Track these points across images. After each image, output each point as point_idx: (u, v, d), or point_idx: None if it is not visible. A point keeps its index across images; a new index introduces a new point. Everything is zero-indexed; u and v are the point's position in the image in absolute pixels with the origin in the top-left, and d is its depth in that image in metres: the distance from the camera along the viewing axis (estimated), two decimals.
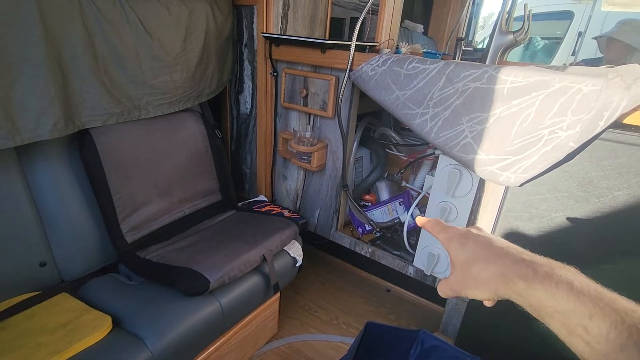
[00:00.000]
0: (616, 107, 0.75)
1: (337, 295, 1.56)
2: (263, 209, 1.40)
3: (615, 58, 1.94)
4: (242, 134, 1.61)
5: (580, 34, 3.19)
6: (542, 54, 3.80)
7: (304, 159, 1.38)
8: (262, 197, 1.59)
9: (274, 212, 1.38)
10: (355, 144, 1.40)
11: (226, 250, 1.00)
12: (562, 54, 3.35)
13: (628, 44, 1.81)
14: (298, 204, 1.57)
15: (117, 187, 1.01)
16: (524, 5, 1.26)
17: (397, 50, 1.35)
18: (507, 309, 0.97)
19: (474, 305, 1.14)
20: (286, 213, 1.43)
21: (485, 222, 1.08)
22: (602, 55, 2.02)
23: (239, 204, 1.44)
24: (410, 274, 1.31)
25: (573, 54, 3.17)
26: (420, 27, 2.40)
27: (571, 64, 2.46)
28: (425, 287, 1.30)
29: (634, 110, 0.77)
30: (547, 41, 3.76)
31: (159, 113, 1.13)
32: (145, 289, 0.94)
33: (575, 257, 0.91)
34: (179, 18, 1.09)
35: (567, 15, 3.41)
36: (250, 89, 1.50)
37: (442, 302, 1.30)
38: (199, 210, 1.25)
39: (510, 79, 0.90)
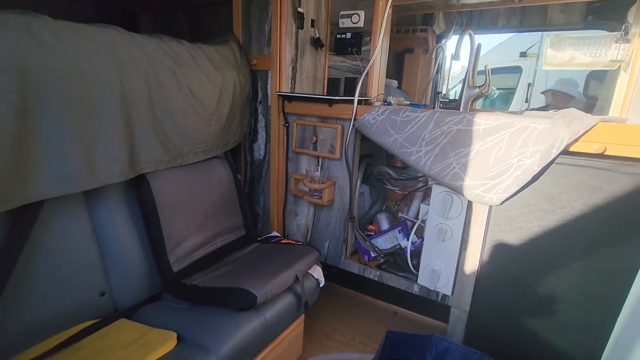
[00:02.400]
0: (562, 139, 1.03)
1: (350, 319, 1.69)
2: (281, 242, 1.56)
3: (559, 105, 2.35)
4: (256, 178, 1.81)
5: (529, 84, 3.75)
6: (500, 102, 4.35)
7: (316, 195, 1.59)
8: (275, 233, 1.75)
9: (291, 243, 1.54)
10: (359, 181, 1.63)
11: (264, 272, 1.15)
12: (517, 102, 3.88)
13: (566, 93, 2.23)
14: (309, 237, 1.74)
15: (166, 222, 1.16)
16: (485, 66, 1.61)
17: (388, 103, 1.64)
18: (509, 316, 1.16)
19: (476, 314, 1.32)
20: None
21: (476, 237, 1.29)
22: (549, 104, 2.45)
23: (258, 239, 1.60)
24: (416, 291, 1.47)
25: (526, 101, 3.69)
26: (395, 82, 2.79)
27: (526, 109, 2.91)
28: (428, 306, 1.46)
29: (575, 141, 1.04)
30: (503, 91, 4.34)
31: (196, 159, 1.33)
32: (195, 311, 1.06)
33: (551, 259, 1.13)
34: (215, 83, 1.33)
35: (517, 70, 4.00)
36: (264, 138, 1.73)
37: (445, 318, 1.45)
38: (228, 244, 1.40)
39: (483, 121, 1.18)
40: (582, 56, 1.37)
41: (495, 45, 4.04)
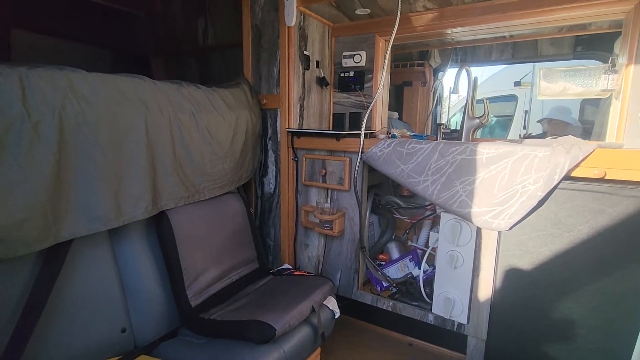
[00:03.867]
0: (563, 165, 1.08)
1: (365, 352, 1.66)
2: (294, 273, 1.58)
3: (555, 132, 2.43)
4: (266, 211, 1.85)
5: (526, 112, 3.87)
6: (499, 129, 4.47)
7: (326, 226, 1.63)
8: (286, 266, 1.77)
9: (304, 275, 1.56)
10: (368, 211, 1.67)
11: (280, 304, 1.16)
12: (515, 128, 4.00)
13: (562, 121, 2.32)
14: (320, 269, 1.75)
15: (185, 257, 1.20)
16: (483, 98, 1.70)
17: (392, 135, 1.72)
18: (528, 343, 1.16)
19: (493, 342, 1.31)
20: None
21: (487, 263, 1.31)
22: (546, 131, 2.53)
23: (270, 271, 1.62)
24: (431, 321, 1.47)
25: (524, 127, 3.80)
26: (396, 114, 2.90)
27: (525, 136, 3.00)
28: (444, 336, 1.45)
29: (576, 166, 1.09)
30: (501, 118, 4.47)
31: (212, 195, 1.38)
32: (214, 345, 1.06)
33: (564, 283, 1.15)
34: (229, 123, 1.42)
35: (513, 98, 4.14)
36: (274, 172, 1.80)
37: (462, 348, 1.44)
38: (242, 277, 1.42)
39: (486, 151, 1.24)
40: (574, 86, 1.45)
41: (490, 76, 4.19)
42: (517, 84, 3.96)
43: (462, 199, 1.28)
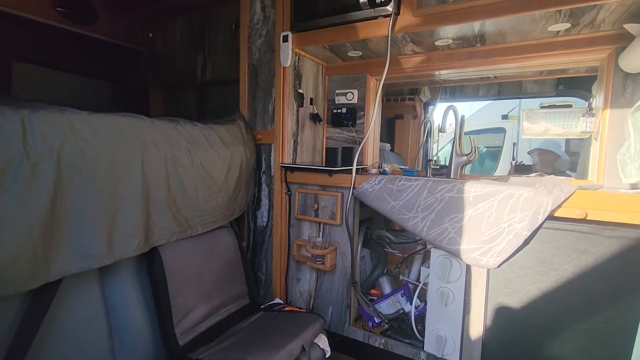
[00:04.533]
0: (546, 206, 1.12)
1: None
2: (284, 309, 1.56)
3: (545, 163, 2.51)
4: (259, 244, 1.85)
5: (514, 144, 4.00)
6: (489, 159, 4.58)
7: (318, 261, 1.63)
8: (277, 300, 1.75)
9: (295, 311, 1.54)
10: (359, 245, 1.68)
11: (270, 343, 1.15)
12: (505, 159, 4.10)
13: (551, 151, 2.40)
14: (312, 304, 1.74)
15: (175, 294, 1.19)
16: (469, 137, 1.77)
17: (383, 171, 1.76)
18: None
19: None
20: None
21: (478, 301, 1.32)
22: (535, 163, 2.61)
23: (261, 307, 1.60)
24: (423, 359, 1.45)
25: (513, 159, 3.91)
26: (388, 146, 2.98)
27: (516, 164, 3.09)
28: None
29: (558, 207, 1.13)
30: (490, 149, 4.60)
31: (204, 230, 1.39)
32: None
33: (553, 322, 1.16)
34: (224, 158, 1.45)
35: (501, 130, 4.28)
36: (267, 205, 1.82)
37: None
38: (232, 314, 1.40)
39: (473, 189, 1.28)
40: (556, 127, 1.52)
41: (478, 109, 4.33)
42: (505, 117, 4.09)
43: (451, 236, 1.31)
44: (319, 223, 1.68)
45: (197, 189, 1.33)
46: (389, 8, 1.40)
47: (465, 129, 1.84)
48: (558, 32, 1.37)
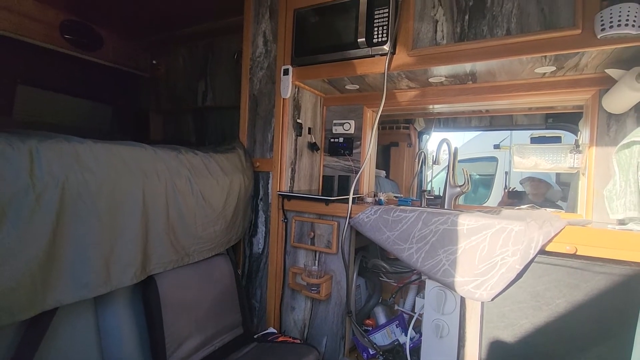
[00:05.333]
0: (537, 240, 1.15)
1: None
2: (278, 340, 1.54)
3: (537, 192, 2.56)
4: (254, 271, 1.85)
5: (506, 173, 4.08)
6: (482, 187, 4.66)
7: (313, 290, 1.63)
8: (271, 330, 1.73)
9: (289, 342, 1.53)
10: (355, 274, 1.69)
11: None
12: (497, 187, 4.17)
13: (542, 180, 2.46)
14: (305, 334, 1.72)
15: (169, 324, 1.18)
16: (462, 168, 1.82)
17: (379, 200, 1.80)
18: None
19: None
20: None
21: (472, 334, 1.32)
22: (528, 193, 2.66)
23: (254, 337, 1.58)
24: None
25: (506, 187, 3.98)
26: (383, 173, 3.03)
27: (509, 191, 3.14)
28: None
29: (549, 242, 1.16)
30: (483, 177, 4.68)
31: (201, 258, 1.40)
32: None
33: (546, 357, 1.16)
34: (223, 186, 1.48)
35: (493, 159, 4.38)
36: (263, 232, 1.83)
37: None
38: (226, 344, 1.39)
39: (466, 222, 1.31)
40: (545, 163, 1.58)
41: (471, 138, 4.44)
42: (497, 146, 4.18)
43: (445, 268, 1.33)
44: (315, 251, 1.69)
45: (195, 217, 1.35)
46: (386, 48, 1.48)
47: (458, 158, 1.90)
48: (544, 73, 1.45)
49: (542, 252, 1.16)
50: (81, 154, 0.99)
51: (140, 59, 2.84)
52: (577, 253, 1.12)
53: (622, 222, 1.29)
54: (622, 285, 1.06)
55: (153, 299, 1.16)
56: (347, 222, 1.55)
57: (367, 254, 1.88)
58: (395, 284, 1.80)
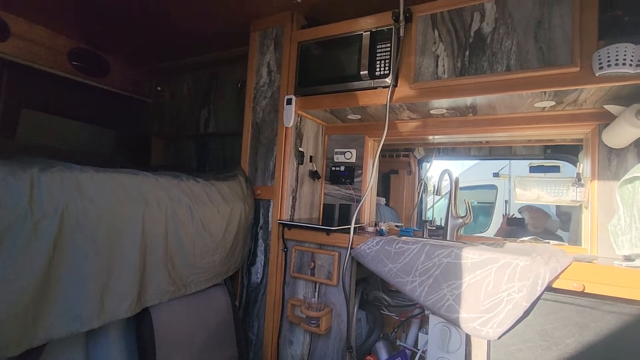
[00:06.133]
0: (544, 277, 1.12)
1: None
2: None
3: (536, 222, 2.54)
4: (252, 302, 1.80)
5: (506, 201, 4.07)
6: (482, 215, 4.63)
7: (313, 323, 1.57)
8: None
9: None
10: (356, 307, 1.64)
11: None
12: (498, 215, 4.15)
13: (540, 209, 2.45)
14: None
15: None
16: (464, 200, 1.81)
17: (380, 230, 1.77)
18: None
19: None
20: None
21: None
22: (527, 222, 2.64)
23: None
24: None
25: (505, 214, 3.97)
26: (383, 200, 3.02)
27: (509, 217, 3.11)
28: None
29: (556, 278, 1.14)
30: (483, 205, 4.67)
31: (198, 289, 1.36)
32: None
33: None
34: (223, 215, 1.46)
35: (493, 187, 4.38)
36: (262, 261, 1.79)
37: None
38: None
39: (470, 255, 1.28)
40: (547, 195, 1.57)
41: (470, 166, 4.47)
42: (496, 174, 4.20)
43: (449, 303, 1.29)
44: (315, 282, 1.65)
45: (194, 246, 1.32)
46: (388, 80, 1.51)
47: (459, 184, 1.90)
48: (544, 107, 1.48)
49: (549, 288, 1.13)
50: (82, 183, 0.98)
51: (145, 85, 2.89)
52: (585, 290, 1.10)
53: (628, 258, 1.27)
54: (634, 325, 1.03)
55: (147, 333, 1.12)
56: (348, 253, 1.52)
57: (368, 286, 1.84)
58: (397, 318, 1.75)
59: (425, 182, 2.37)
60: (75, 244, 0.94)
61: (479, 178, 4.83)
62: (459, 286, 1.28)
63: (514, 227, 2.99)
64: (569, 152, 2.24)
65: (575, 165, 1.95)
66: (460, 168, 4.10)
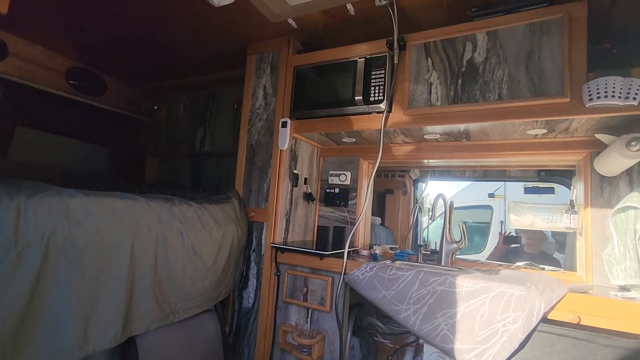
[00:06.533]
0: (539, 308, 1.11)
1: None
2: None
3: (533, 243, 2.52)
4: (242, 327, 1.75)
5: (502, 222, 4.07)
6: (477, 235, 4.62)
7: (305, 352, 1.53)
8: None
9: None
10: (349, 334, 1.60)
11: None
12: (493, 236, 4.14)
13: (537, 230, 2.43)
14: None
15: None
16: (459, 224, 1.80)
17: (375, 255, 1.75)
18: None
19: None
20: None
21: None
22: (523, 244, 2.63)
23: None
24: None
25: (502, 231, 3.95)
26: (378, 220, 3.00)
27: (505, 235, 3.08)
28: None
29: (551, 309, 1.12)
30: (479, 225, 4.65)
31: (187, 315, 1.32)
32: None
33: None
34: (216, 239, 1.44)
35: (488, 207, 4.38)
36: (255, 285, 1.76)
37: None
38: None
39: (465, 284, 1.27)
40: (541, 222, 1.57)
41: (465, 186, 4.48)
42: (491, 195, 4.21)
43: (444, 333, 1.26)
44: (308, 308, 1.61)
45: (184, 272, 1.29)
46: (382, 106, 1.52)
47: (454, 205, 1.89)
48: (536, 135, 1.49)
49: (545, 320, 1.12)
50: (71, 208, 0.96)
51: (141, 104, 2.90)
52: (580, 323, 1.08)
53: (624, 288, 1.26)
54: None
55: None
56: (341, 279, 1.50)
57: (362, 312, 1.80)
58: (392, 345, 1.71)
59: (420, 205, 2.37)
60: (60, 272, 0.91)
61: (474, 198, 4.84)
62: (454, 315, 1.26)
63: (510, 245, 2.97)
64: (562, 175, 2.25)
65: (569, 188, 1.96)
66: (456, 188, 4.10)
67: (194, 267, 1.33)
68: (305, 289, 1.60)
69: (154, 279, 1.18)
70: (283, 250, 1.69)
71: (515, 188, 3.03)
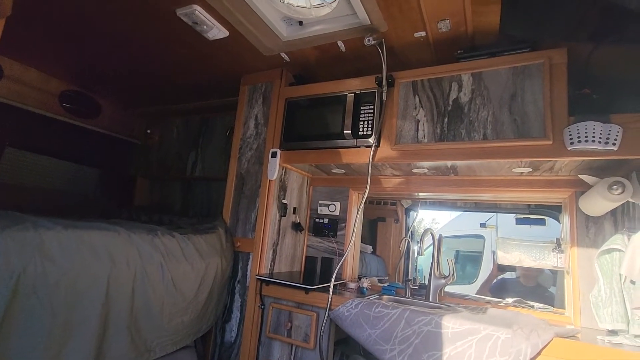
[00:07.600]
0: (525, 353, 1.08)
1: None
2: None
3: (528, 277, 2.49)
4: None
5: (493, 252, 4.05)
6: (470, 265, 4.57)
7: None
8: None
9: None
10: None
11: None
12: (485, 267, 4.10)
13: None
14: None
15: None
16: (447, 260, 1.79)
17: (361, 289, 1.72)
18: None
19: None
20: None
21: None
22: (518, 276, 2.59)
23: None
24: None
25: (494, 262, 3.92)
26: (369, 248, 2.97)
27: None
28: None
29: (538, 354, 1.09)
30: (471, 254, 4.62)
31: (163, 353, 1.27)
32: None
33: None
34: (198, 272, 1.41)
35: (480, 237, 4.37)
36: (238, 319, 1.71)
37: None
38: None
39: (451, 325, 1.24)
40: (529, 259, 1.56)
41: (457, 215, 4.48)
42: (483, 225, 4.19)
43: None
44: (291, 345, 1.56)
45: (163, 307, 1.25)
46: (370, 140, 1.54)
47: (445, 234, 1.87)
48: (522, 172, 1.51)
49: None
50: (46, 242, 0.93)
51: (134, 127, 2.91)
52: None
53: (612, 333, 1.24)
54: None
55: None
56: (326, 315, 1.46)
57: (348, 349, 1.75)
58: None
59: (408, 239, 2.35)
60: (28, 311, 0.88)
61: (466, 227, 4.81)
62: (440, 358, 1.23)
63: (504, 273, 2.93)
64: (551, 208, 2.27)
65: (559, 220, 1.97)
66: (448, 216, 4.10)
67: (173, 302, 1.29)
68: (289, 324, 1.56)
69: (130, 316, 1.14)
70: (268, 282, 1.65)
71: (507, 218, 3.04)
